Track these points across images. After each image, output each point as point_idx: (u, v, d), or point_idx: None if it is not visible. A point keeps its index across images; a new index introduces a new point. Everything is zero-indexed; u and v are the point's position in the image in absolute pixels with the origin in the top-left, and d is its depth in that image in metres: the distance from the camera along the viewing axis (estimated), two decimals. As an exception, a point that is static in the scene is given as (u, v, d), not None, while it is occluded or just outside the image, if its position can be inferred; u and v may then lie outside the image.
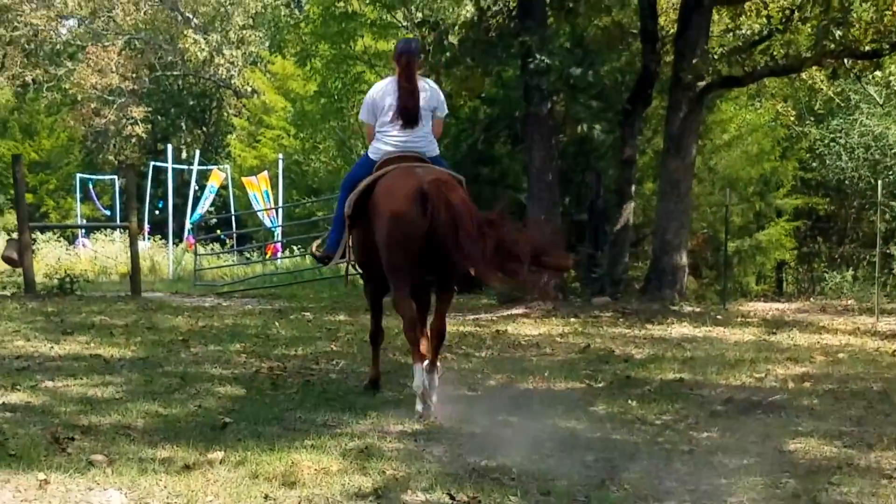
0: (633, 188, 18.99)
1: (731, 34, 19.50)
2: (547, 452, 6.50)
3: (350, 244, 8.47)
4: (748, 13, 19.24)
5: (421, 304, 8.37)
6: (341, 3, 24.48)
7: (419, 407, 7.69)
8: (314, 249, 9.52)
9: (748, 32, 18.96)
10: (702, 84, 17.23)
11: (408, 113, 8.25)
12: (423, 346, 8.04)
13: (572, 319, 14.43)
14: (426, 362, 7.86)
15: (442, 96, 8.65)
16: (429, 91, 8.46)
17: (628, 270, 19.00)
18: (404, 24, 26.10)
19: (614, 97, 18.91)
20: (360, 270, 8.79)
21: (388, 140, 8.31)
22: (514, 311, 15.34)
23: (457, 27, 18.45)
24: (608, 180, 20.09)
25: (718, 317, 15.22)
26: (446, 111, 8.81)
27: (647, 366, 10.18)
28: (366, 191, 8.10)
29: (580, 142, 19.80)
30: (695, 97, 17.24)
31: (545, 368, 9.71)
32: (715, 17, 18.99)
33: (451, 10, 26.08)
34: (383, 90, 8.40)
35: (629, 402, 8.17)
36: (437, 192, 7.55)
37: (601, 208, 19.36)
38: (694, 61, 16.88)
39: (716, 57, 17.97)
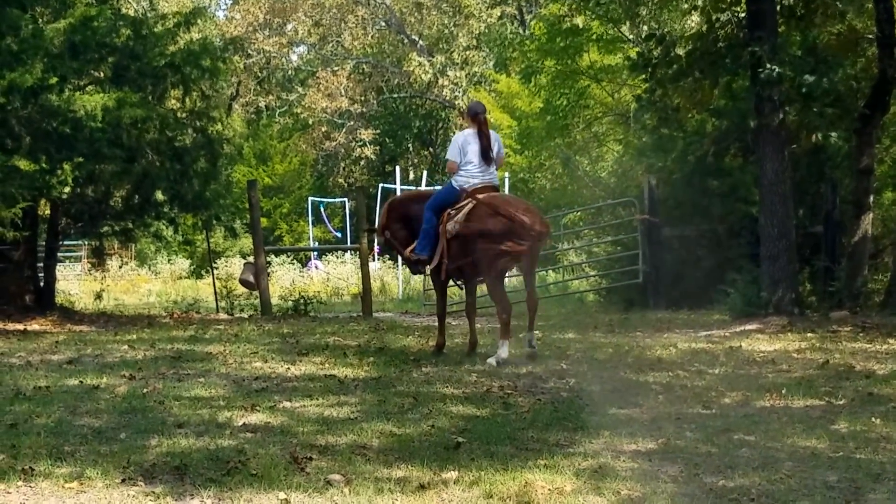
0: (871, 198, 18.36)
1: (974, 36, 18.70)
2: (787, 472, 6.30)
3: (445, 250, 11.62)
4: None
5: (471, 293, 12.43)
6: (567, 19, 24.46)
7: (494, 361, 11.10)
8: (408, 254, 12.28)
9: None
10: (943, 89, 16.57)
11: (486, 155, 11.73)
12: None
13: (809, 334, 13.99)
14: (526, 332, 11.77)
15: (501, 141, 12.42)
16: (495, 139, 11.98)
17: (868, 283, 18.33)
18: (630, 37, 25.93)
19: (850, 104, 18.33)
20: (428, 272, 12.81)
21: (472, 175, 11.71)
22: (748, 327, 14.99)
23: (684, 39, 18.19)
24: (844, 191, 19.47)
25: (965, 330, 14.57)
26: (504, 151, 12.67)
27: (891, 382, 9.76)
28: (470, 212, 11.37)
29: (814, 152, 19.26)
30: (936, 103, 16.60)
31: (782, 385, 9.43)
32: (956, 18, 18.23)
33: (677, 22, 25.78)
34: (467, 139, 11.79)
35: (872, 419, 7.85)
36: (531, 215, 11.30)
37: (837, 220, 18.77)
38: (934, 65, 16.26)
39: (958, 60, 17.25)
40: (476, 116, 11.93)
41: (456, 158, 11.80)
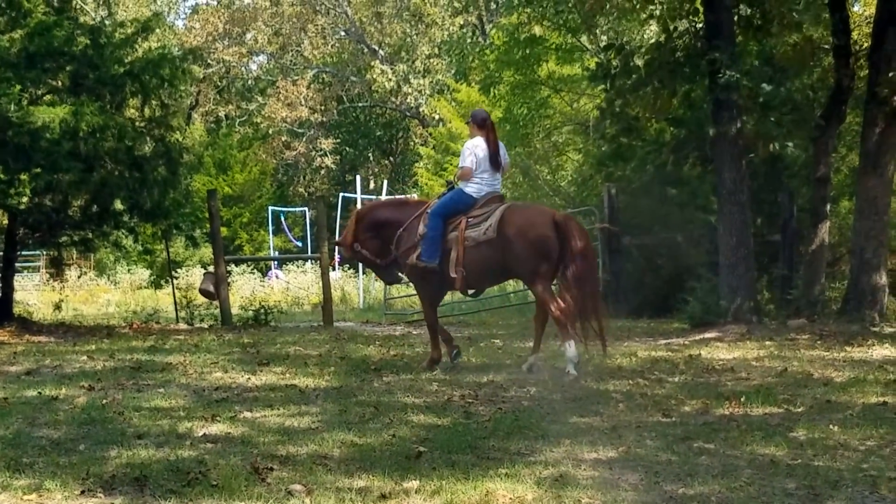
0: (828, 207, 18.51)
1: (929, 47, 18.88)
2: (746, 480, 6.35)
3: (461, 258, 11.35)
4: (947, 25, 18.61)
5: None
6: (526, 29, 24.51)
7: (573, 370, 10.83)
8: (415, 260, 11.71)
9: (947, 44, 18.33)
10: (899, 99, 16.71)
11: (495, 162, 11.70)
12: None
13: (767, 342, 14.10)
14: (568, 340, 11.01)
15: (505, 148, 12.19)
16: (502, 147, 11.92)
17: (825, 291, 18.46)
18: (589, 47, 26.01)
19: (806, 114, 18.48)
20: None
21: (485, 183, 11.67)
22: (707, 335, 15.08)
23: (643, 49, 18.28)
24: (801, 199, 19.63)
25: (922, 338, 14.72)
26: (508, 158, 12.33)
27: (849, 389, 9.85)
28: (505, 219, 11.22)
29: (772, 161, 19.40)
30: (891, 112, 16.70)
31: (741, 393, 9.48)
32: (912, 28, 18.39)
33: (636, 32, 25.90)
34: (479, 146, 11.64)
35: (831, 427, 7.92)
36: (569, 221, 11.34)
37: (795, 228, 18.92)
38: (890, 75, 16.38)
39: (913, 70, 17.42)
40: (483, 123, 11.82)
41: (472, 165, 11.63)
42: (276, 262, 38.21)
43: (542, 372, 11.21)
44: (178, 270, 32.39)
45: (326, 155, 49.67)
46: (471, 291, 12.25)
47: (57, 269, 24.45)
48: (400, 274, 12.83)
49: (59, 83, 17.93)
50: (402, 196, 13.12)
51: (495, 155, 11.69)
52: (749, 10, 17.31)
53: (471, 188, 11.65)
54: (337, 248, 16.96)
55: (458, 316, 21.22)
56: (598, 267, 11.52)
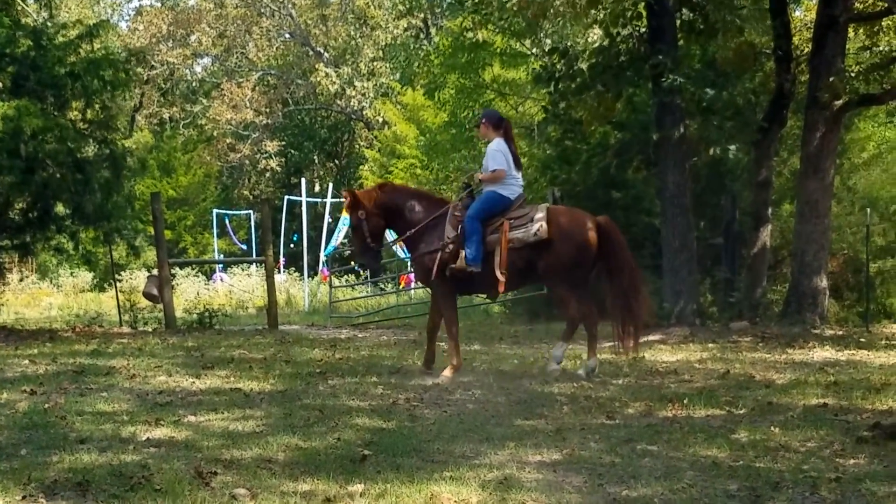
0: (770, 210, 18.69)
1: (868, 52, 19.13)
2: (688, 482, 6.38)
3: (504, 258, 11.15)
4: (885, 30, 18.85)
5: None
6: (470, 33, 24.54)
7: (555, 365, 11.45)
8: (462, 265, 11.33)
9: (886, 49, 18.59)
10: (838, 103, 16.90)
11: (518, 163, 11.66)
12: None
13: (710, 345, 14.21)
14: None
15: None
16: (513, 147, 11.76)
17: (767, 294, 18.65)
18: (533, 52, 26.09)
19: (748, 118, 18.64)
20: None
21: (516, 183, 11.55)
22: (651, 338, 15.16)
23: (586, 53, 18.36)
24: (744, 203, 19.79)
25: (862, 340, 14.88)
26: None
27: (790, 391, 9.95)
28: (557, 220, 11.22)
29: (714, 165, 19.55)
30: (831, 116, 16.92)
31: (684, 395, 9.56)
32: (851, 34, 18.63)
33: (579, 36, 26.00)
34: (505, 147, 11.49)
35: (772, 428, 7.99)
36: (610, 224, 11.48)
37: (737, 231, 19.07)
38: (830, 80, 16.58)
39: (852, 75, 17.63)
40: (500, 123, 11.75)
41: (504, 167, 11.42)
42: (220, 265, 38.03)
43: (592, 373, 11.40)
44: (122, 273, 32.17)
45: (271, 157, 49.53)
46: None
47: (-3, 272, 24.18)
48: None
49: (1, 85, 17.74)
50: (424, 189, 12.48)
51: (517, 154, 11.65)
52: (691, 15, 17.46)
53: (506, 190, 11.48)
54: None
55: (404, 319, 21.22)
56: (638, 270, 11.72)
